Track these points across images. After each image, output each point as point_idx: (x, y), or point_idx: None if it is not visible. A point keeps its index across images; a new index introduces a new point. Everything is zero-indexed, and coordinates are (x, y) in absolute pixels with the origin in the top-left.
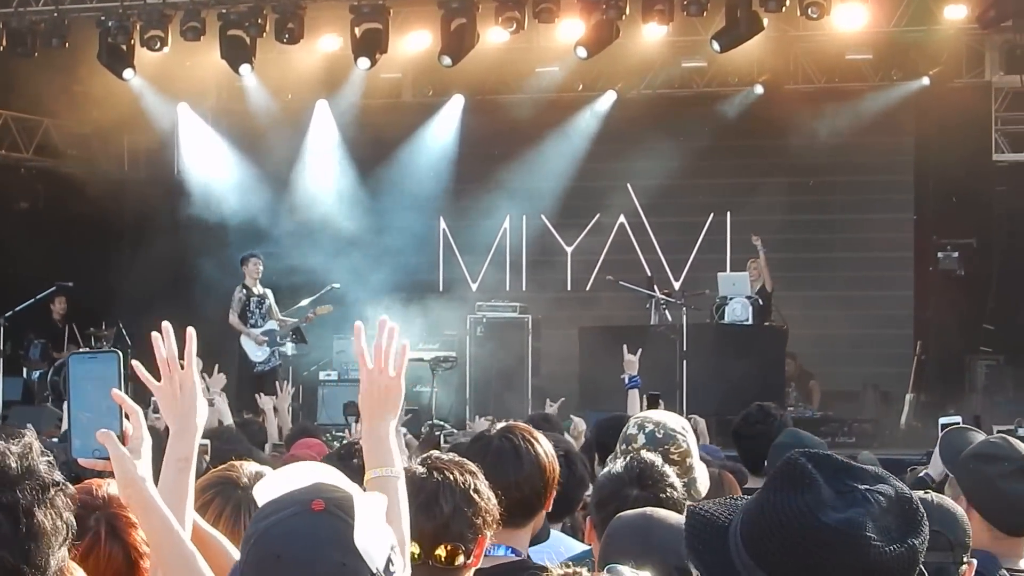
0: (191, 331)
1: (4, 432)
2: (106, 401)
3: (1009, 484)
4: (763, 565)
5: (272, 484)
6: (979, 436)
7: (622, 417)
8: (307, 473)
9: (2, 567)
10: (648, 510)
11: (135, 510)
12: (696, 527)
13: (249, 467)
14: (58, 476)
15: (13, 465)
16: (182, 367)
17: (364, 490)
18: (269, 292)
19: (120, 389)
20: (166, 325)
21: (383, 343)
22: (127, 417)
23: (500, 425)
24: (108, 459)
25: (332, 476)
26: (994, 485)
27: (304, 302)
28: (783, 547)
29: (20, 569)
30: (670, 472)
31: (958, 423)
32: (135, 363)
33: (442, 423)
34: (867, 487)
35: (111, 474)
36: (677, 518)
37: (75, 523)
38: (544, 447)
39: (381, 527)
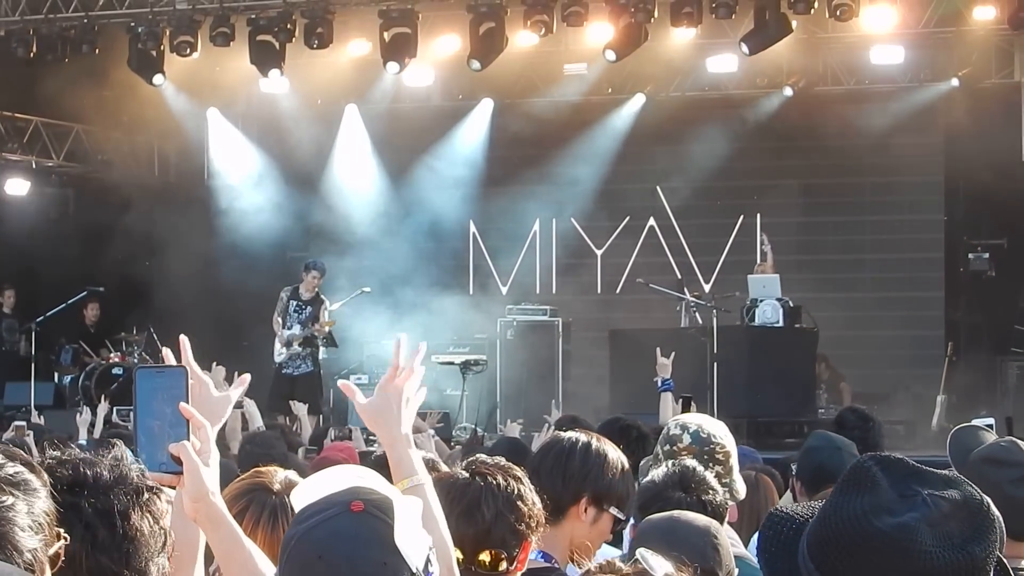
0: (183, 339)
1: (51, 440)
2: (173, 415)
3: (1017, 490)
4: (822, 570)
5: (310, 488)
6: (989, 436)
7: (617, 419)
8: (344, 476)
9: (102, 572)
10: (676, 513)
11: (203, 524)
12: (774, 529)
13: (280, 473)
14: (151, 483)
15: (106, 474)
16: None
17: None
18: (323, 302)
19: (188, 404)
20: (183, 338)
21: (399, 360)
22: (194, 432)
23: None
24: (174, 473)
25: (369, 479)
26: (1001, 490)
27: (335, 306)
28: (838, 552)
29: (121, 574)
30: (710, 477)
31: (991, 425)
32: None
33: (472, 426)
34: (931, 491)
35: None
36: (704, 521)
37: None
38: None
39: (419, 528)
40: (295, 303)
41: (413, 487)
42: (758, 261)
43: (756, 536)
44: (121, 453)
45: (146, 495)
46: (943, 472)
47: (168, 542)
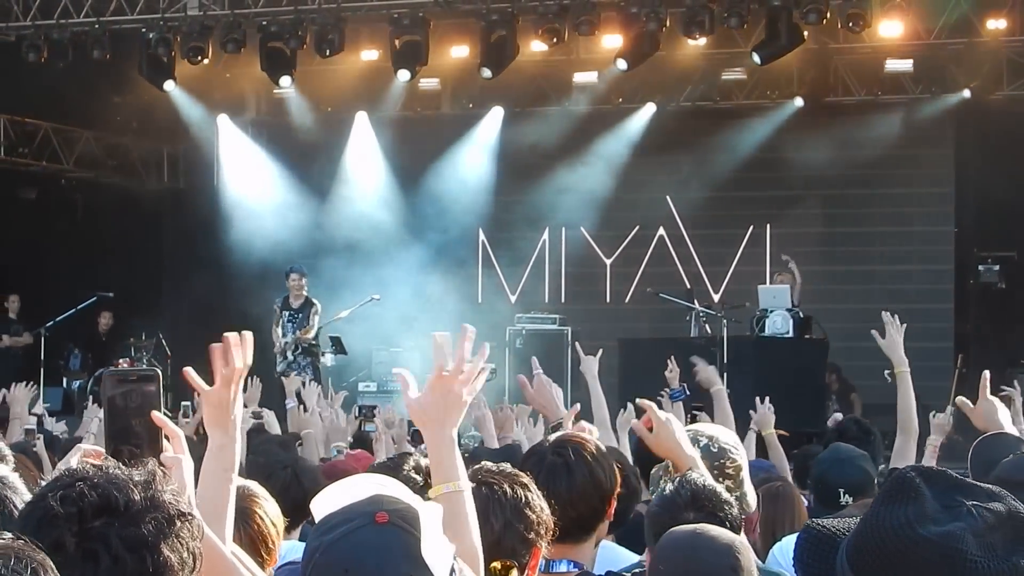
0: (188, 372)
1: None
2: (143, 423)
3: None
4: None
5: (330, 497)
6: (1014, 443)
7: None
8: (365, 485)
9: None
10: (699, 527)
11: None
12: (810, 541)
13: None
14: (184, 506)
15: (136, 498)
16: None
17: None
18: (312, 305)
19: (160, 411)
20: (237, 336)
21: (464, 352)
22: (167, 439)
23: (553, 436)
24: None
25: (390, 487)
26: None
27: (343, 313)
28: (880, 560)
29: None
30: (722, 491)
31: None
32: (188, 370)
33: (479, 435)
34: (976, 503)
35: None
36: (728, 538)
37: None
38: (599, 458)
39: (443, 537)
40: (288, 313)
41: (450, 493)
42: (776, 271)
43: (775, 548)
44: (154, 470)
45: (178, 524)
46: (987, 486)
47: (197, 566)
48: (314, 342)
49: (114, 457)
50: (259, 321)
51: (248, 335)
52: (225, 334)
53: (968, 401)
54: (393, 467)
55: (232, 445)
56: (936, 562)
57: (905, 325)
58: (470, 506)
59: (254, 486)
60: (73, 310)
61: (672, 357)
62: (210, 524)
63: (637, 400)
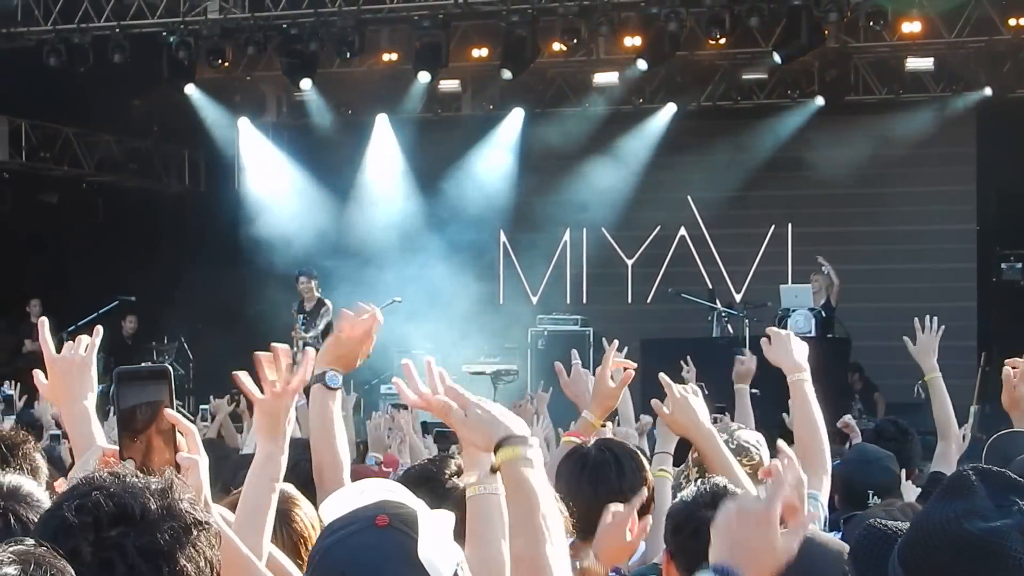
0: (282, 349)
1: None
2: (155, 420)
3: None
4: (910, 573)
5: (339, 502)
6: None
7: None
8: (372, 490)
9: None
10: (809, 533)
11: None
12: (870, 539)
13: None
14: (201, 515)
15: (153, 507)
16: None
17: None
18: (323, 305)
19: (172, 407)
20: (284, 347)
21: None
22: (181, 434)
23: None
24: None
25: (398, 493)
26: None
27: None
28: (927, 554)
29: None
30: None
31: None
32: (240, 375)
33: None
34: None
35: None
36: (838, 546)
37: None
38: (639, 454)
39: (447, 541)
40: (302, 316)
41: (485, 495)
42: (812, 271)
43: None
44: (171, 478)
45: (195, 532)
46: None
47: (215, 574)
48: (319, 339)
49: (128, 457)
50: (280, 323)
51: (284, 347)
52: (274, 344)
53: (1012, 372)
54: (436, 472)
55: (280, 455)
56: (979, 557)
57: (943, 328)
58: (502, 510)
59: (291, 489)
60: (95, 314)
61: (688, 358)
62: (249, 531)
63: (659, 376)
